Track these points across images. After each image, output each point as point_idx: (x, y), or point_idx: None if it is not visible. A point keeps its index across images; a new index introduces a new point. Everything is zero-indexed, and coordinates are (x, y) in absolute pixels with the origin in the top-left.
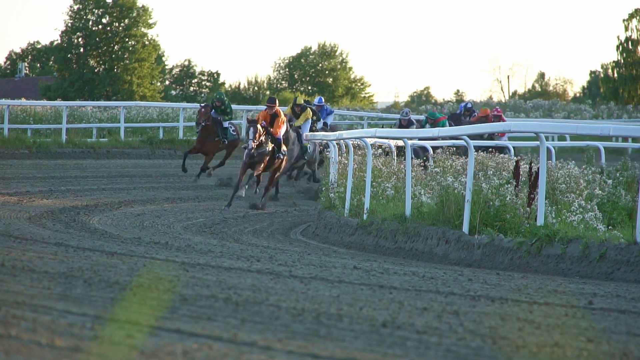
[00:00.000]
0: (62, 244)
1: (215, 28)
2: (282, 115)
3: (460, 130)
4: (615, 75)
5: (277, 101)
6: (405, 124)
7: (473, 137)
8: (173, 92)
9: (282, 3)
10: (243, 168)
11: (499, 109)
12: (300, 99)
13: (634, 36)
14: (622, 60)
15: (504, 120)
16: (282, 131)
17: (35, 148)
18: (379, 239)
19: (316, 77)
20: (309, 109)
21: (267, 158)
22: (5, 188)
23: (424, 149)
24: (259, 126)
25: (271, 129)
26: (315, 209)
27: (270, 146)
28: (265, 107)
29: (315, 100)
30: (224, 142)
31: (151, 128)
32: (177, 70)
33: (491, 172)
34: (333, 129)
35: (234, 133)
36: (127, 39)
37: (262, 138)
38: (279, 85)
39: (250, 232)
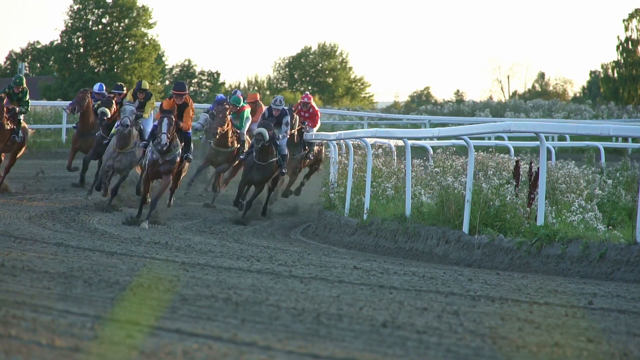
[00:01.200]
0: (62, 244)
1: (215, 28)
2: (192, 105)
3: (460, 131)
4: (615, 75)
5: (187, 87)
6: (277, 114)
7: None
8: None
9: (282, 3)
10: (147, 178)
11: (309, 95)
12: (146, 84)
13: (634, 36)
14: (622, 60)
15: (315, 110)
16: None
17: (35, 148)
18: (379, 239)
19: (316, 77)
20: (154, 97)
21: (177, 166)
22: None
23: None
24: (173, 117)
25: (182, 123)
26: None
27: (180, 148)
28: (172, 94)
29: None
30: (14, 138)
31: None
32: (177, 70)
33: (491, 172)
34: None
35: (22, 135)
36: (127, 39)
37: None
38: (279, 85)
39: (250, 232)
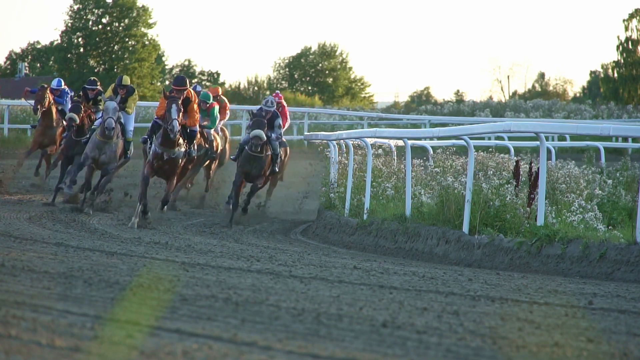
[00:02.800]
0: (62, 244)
1: (215, 28)
2: (196, 100)
3: (460, 131)
4: (615, 75)
5: (188, 82)
6: (270, 116)
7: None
8: None
9: (282, 3)
10: (149, 171)
11: (279, 94)
12: (127, 79)
13: (634, 36)
14: (622, 60)
15: (284, 109)
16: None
17: None
18: (379, 239)
19: (316, 77)
20: (137, 92)
21: (183, 163)
22: (5, 188)
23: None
24: (180, 102)
25: (185, 121)
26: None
27: (184, 145)
28: (173, 89)
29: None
30: None
31: None
32: (177, 70)
33: (491, 172)
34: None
35: None
36: (127, 39)
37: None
38: (279, 85)
39: (250, 232)
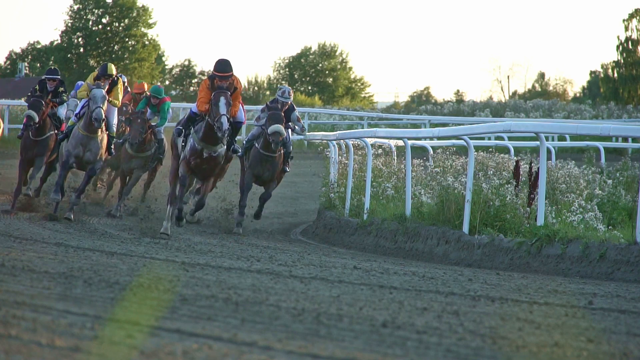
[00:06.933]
0: (62, 244)
1: (215, 28)
2: (241, 88)
3: (460, 131)
4: (615, 75)
5: (232, 67)
6: (286, 108)
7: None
8: (173, 92)
9: (282, 3)
10: (186, 169)
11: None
12: (112, 68)
13: (634, 36)
14: (622, 60)
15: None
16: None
17: None
18: (379, 239)
19: (316, 77)
20: (121, 81)
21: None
22: (6, 188)
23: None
24: (230, 95)
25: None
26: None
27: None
28: (215, 75)
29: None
30: None
31: None
32: (177, 70)
33: (491, 172)
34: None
35: None
36: (127, 39)
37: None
38: (279, 86)
39: (250, 232)
